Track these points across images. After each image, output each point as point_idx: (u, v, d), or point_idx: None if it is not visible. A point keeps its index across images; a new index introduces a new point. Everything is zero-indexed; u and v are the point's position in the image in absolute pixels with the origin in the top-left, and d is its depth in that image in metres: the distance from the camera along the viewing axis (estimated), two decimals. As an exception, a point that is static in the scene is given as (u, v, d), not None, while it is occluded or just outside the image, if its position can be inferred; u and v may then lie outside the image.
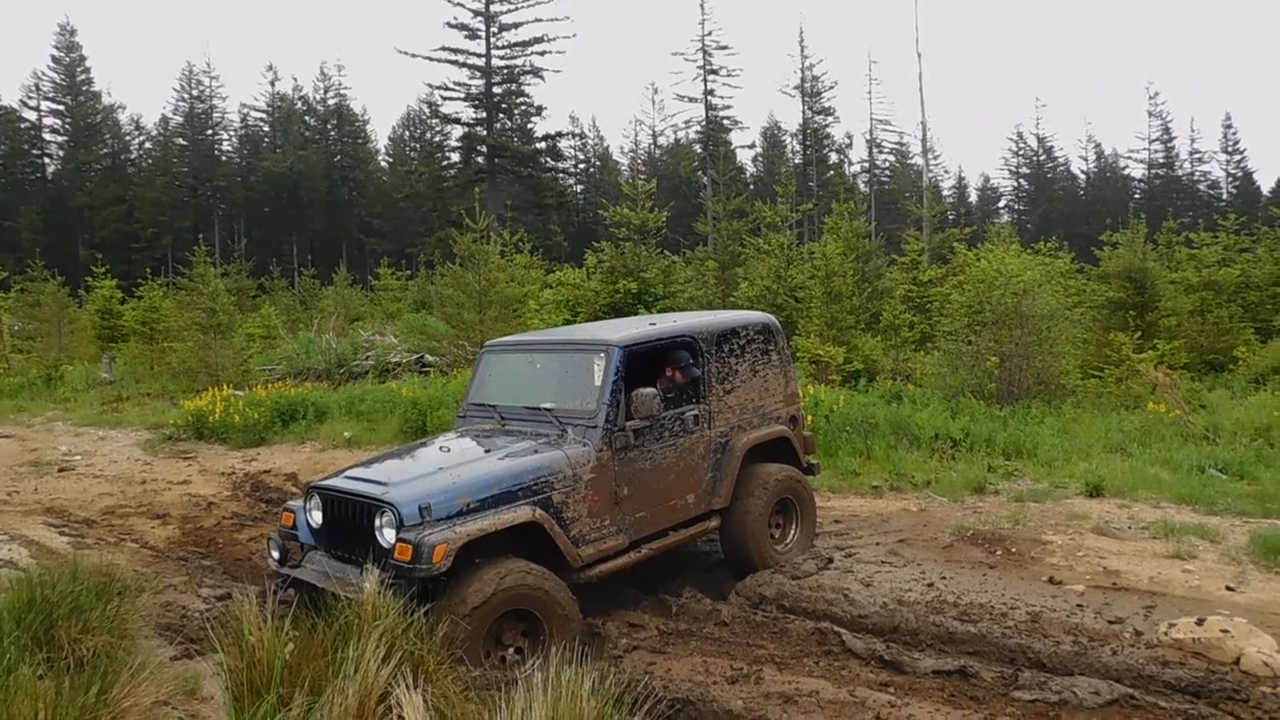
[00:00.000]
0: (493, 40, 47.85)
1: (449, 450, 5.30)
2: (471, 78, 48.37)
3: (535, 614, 4.53)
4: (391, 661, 3.68)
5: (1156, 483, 7.92)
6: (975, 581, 5.75)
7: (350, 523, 4.79)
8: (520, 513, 4.66)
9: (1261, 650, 4.36)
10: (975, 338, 12.48)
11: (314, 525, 5.03)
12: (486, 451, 5.15)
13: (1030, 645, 4.65)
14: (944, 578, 5.83)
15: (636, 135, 73.98)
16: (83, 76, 58.05)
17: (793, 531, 6.34)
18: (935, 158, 66.88)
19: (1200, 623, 4.64)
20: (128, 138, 61.09)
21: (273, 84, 65.04)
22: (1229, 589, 5.45)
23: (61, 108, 57.64)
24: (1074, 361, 13.32)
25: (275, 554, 5.09)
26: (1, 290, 22.30)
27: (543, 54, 48.44)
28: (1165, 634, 4.68)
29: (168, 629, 5.22)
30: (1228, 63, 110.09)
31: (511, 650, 4.53)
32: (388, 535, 4.47)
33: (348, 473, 5.18)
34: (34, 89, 57.21)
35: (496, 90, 48.88)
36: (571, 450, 5.06)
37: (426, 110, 57.31)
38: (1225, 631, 4.51)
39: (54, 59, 57.19)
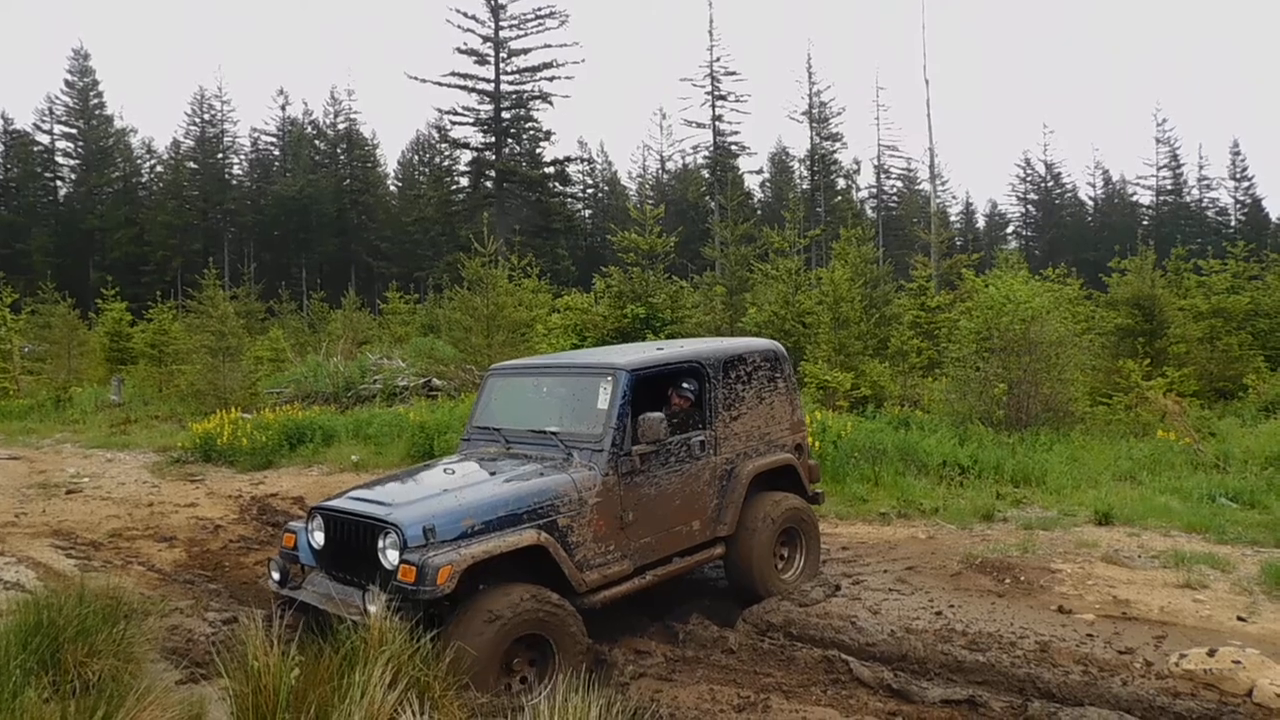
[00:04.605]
0: (502, 66, 48.33)
1: (453, 473, 5.30)
2: (481, 103, 48.84)
3: (547, 639, 4.51)
4: (398, 687, 3.67)
5: (1166, 511, 7.87)
6: (984, 610, 5.72)
7: (353, 544, 4.78)
8: (525, 536, 4.64)
9: (1275, 682, 4.31)
10: (983, 364, 12.46)
11: (316, 546, 5.02)
12: (491, 474, 5.14)
13: (1039, 675, 4.61)
14: (952, 606, 5.79)
15: (645, 160, 74.38)
16: (95, 101, 58.83)
17: (798, 560, 6.32)
18: (943, 183, 67.23)
19: (1212, 654, 4.59)
20: (139, 161, 61.74)
21: (283, 108, 65.87)
22: (1240, 619, 5.40)
23: (74, 131, 58.38)
24: (1083, 388, 13.27)
25: (276, 575, 5.08)
26: (12, 312, 22.41)
27: (551, 79, 48.91)
28: (1176, 665, 4.63)
29: (174, 653, 5.21)
30: (1236, 90, 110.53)
31: (519, 678, 4.50)
32: (391, 557, 4.46)
33: (351, 494, 5.18)
34: (47, 113, 58.10)
35: (505, 115, 49.27)
36: (577, 474, 5.04)
37: (435, 135, 57.88)
38: (1237, 663, 4.46)
39: (67, 83, 58.07)
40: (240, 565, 7.54)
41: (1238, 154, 67.13)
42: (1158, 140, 67.05)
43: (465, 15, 47.09)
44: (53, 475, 11.45)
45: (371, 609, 4.23)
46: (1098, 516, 7.78)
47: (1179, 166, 67.39)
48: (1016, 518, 8.07)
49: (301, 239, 58.17)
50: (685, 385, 5.88)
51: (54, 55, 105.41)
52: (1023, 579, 6.26)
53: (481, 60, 48.02)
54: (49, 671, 4.08)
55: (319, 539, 5.01)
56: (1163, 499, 8.29)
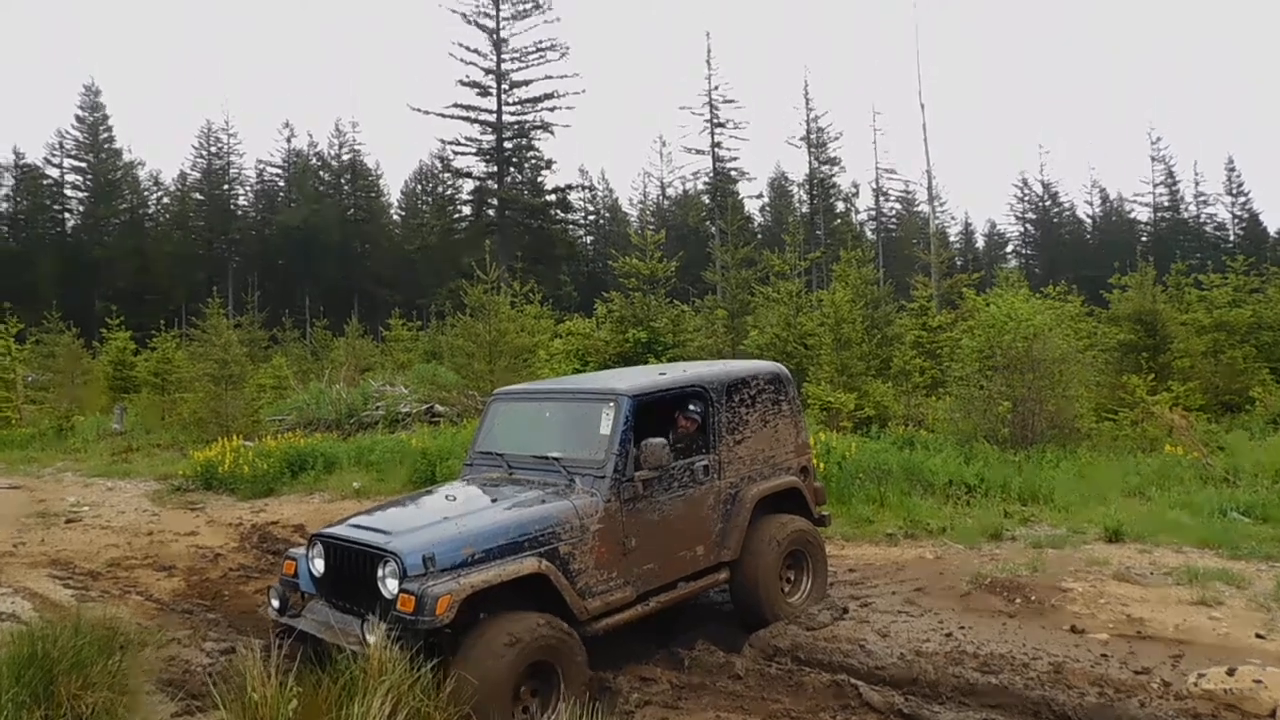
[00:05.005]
0: (504, 97, 48.81)
1: (454, 499, 5.24)
2: (483, 133, 49.30)
3: (553, 666, 4.45)
4: (398, 718, 3.59)
5: (1177, 526, 7.77)
6: (995, 631, 5.62)
7: (353, 572, 4.72)
8: (526, 564, 4.58)
9: (1295, 701, 4.21)
10: (987, 382, 12.39)
11: (316, 574, 4.96)
12: (493, 501, 5.08)
13: (1054, 697, 4.51)
14: (963, 627, 5.69)
15: (645, 187, 74.61)
16: (105, 135, 59.20)
17: (805, 583, 6.23)
18: (941, 204, 67.34)
19: (1231, 673, 4.49)
20: (146, 193, 62.04)
21: (289, 140, 66.24)
22: (1259, 636, 5.30)
23: (83, 165, 58.68)
24: (1087, 405, 13.19)
25: (276, 603, 5.03)
26: (17, 342, 22.45)
27: (553, 109, 49.39)
28: (1195, 685, 4.53)
29: (170, 684, 5.12)
30: (1229, 105, 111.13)
31: (521, 708, 4.42)
32: (391, 586, 4.40)
33: (351, 521, 5.12)
34: (58, 147, 58.35)
35: (507, 145, 49.67)
36: (579, 501, 4.98)
37: (438, 165, 58.33)
38: (1259, 682, 4.36)
39: (78, 118, 58.39)
40: (240, 594, 7.46)
41: (1233, 170, 67.16)
42: (1153, 158, 67.17)
43: (468, 49, 47.71)
44: (52, 504, 11.38)
45: (371, 638, 4.16)
46: (1107, 533, 7.68)
47: (1175, 183, 67.55)
48: (1025, 536, 7.97)
49: (305, 268, 58.34)
50: (690, 408, 5.84)
51: (65, 91, 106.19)
52: (1033, 598, 6.16)
53: (484, 92, 48.53)
54: (42, 705, 4.00)
55: (319, 566, 4.94)
56: (1173, 514, 8.19)
